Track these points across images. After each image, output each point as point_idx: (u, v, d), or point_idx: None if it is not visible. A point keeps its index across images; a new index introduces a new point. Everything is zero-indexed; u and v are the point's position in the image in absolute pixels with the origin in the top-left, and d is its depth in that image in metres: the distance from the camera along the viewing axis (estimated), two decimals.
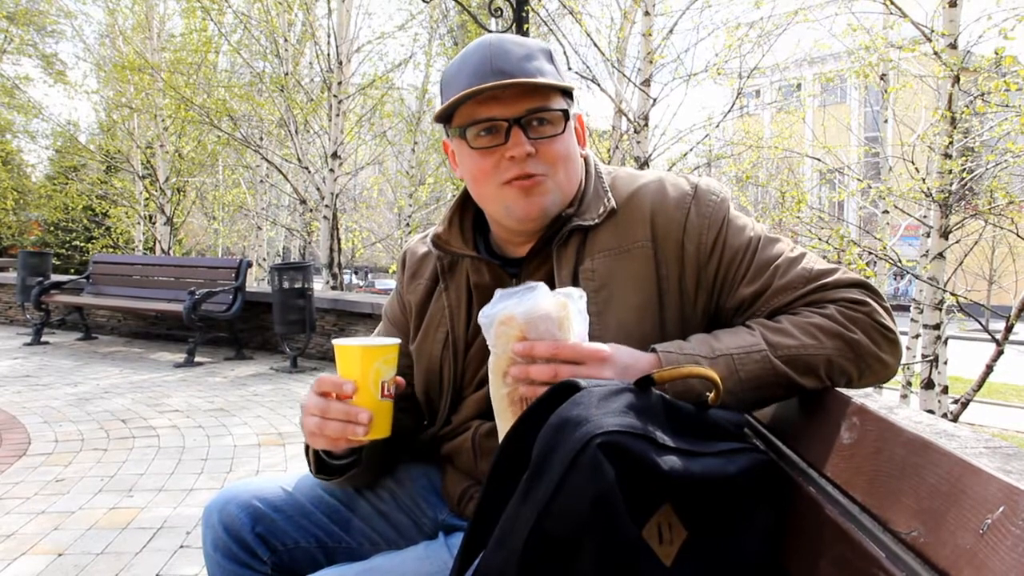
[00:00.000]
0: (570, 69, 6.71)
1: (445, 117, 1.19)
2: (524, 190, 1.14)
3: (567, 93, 1.19)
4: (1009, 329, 4.19)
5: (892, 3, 5.28)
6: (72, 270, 17.76)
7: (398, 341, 1.15)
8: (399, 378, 1.13)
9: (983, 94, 5.27)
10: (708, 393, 0.93)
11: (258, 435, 4.40)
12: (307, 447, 1.27)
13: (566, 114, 1.16)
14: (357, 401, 1.07)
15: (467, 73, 1.15)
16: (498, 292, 1.05)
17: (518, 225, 1.20)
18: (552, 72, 1.17)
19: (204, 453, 4.02)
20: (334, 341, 1.11)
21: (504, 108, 1.13)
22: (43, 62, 16.56)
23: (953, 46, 5.14)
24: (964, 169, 5.47)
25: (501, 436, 1.02)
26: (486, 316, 1.02)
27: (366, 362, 1.08)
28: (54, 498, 3.30)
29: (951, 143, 5.29)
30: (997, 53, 4.81)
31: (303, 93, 10.49)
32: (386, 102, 11.47)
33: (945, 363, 6.09)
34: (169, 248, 13.07)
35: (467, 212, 1.29)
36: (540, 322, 0.99)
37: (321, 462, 1.25)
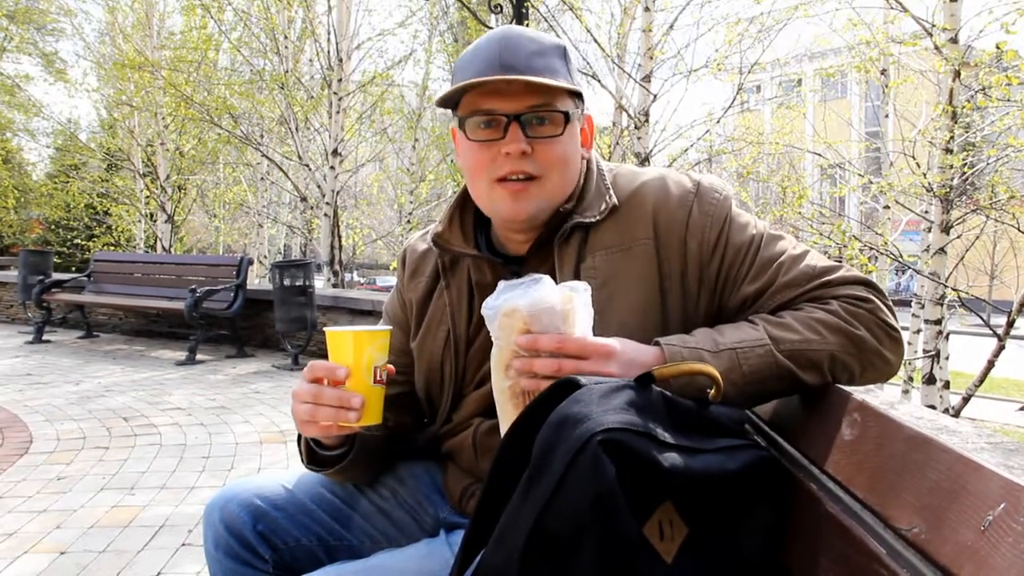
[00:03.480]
0: None
1: (453, 104, 1.19)
2: (513, 194, 1.14)
3: (575, 95, 1.18)
4: (1010, 324, 4.19)
5: None
6: (73, 268, 17.74)
7: (390, 328, 1.15)
8: (390, 365, 1.13)
9: (984, 89, 5.25)
10: (709, 389, 0.93)
11: (259, 433, 4.41)
12: (299, 437, 1.27)
13: (567, 116, 1.14)
14: (350, 386, 1.07)
15: (477, 63, 1.14)
16: (502, 283, 1.03)
17: (505, 224, 1.21)
18: (563, 71, 1.16)
19: (206, 451, 4.03)
20: (326, 329, 1.11)
21: (506, 103, 1.12)
22: (43, 60, 16.58)
23: (954, 41, 5.13)
24: (965, 164, 5.47)
25: (503, 429, 1.01)
26: (490, 308, 1.01)
27: (359, 347, 1.08)
28: (56, 496, 3.30)
29: (952, 138, 5.29)
30: (998, 47, 4.80)
31: (303, 90, 10.49)
32: (386, 99, 11.46)
33: (946, 358, 6.10)
34: (170, 246, 13.06)
35: (468, 209, 1.28)
36: (544, 315, 0.98)
37: (312, 453, 1.24)
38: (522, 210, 1.15)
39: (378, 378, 1.10)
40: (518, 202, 1.14)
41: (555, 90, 1.13)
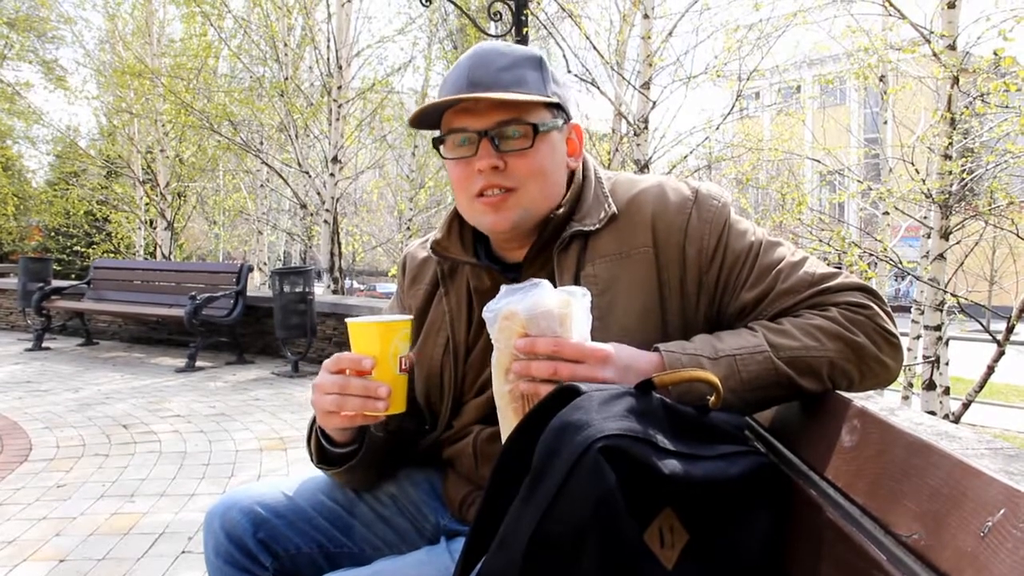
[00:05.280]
0: (569, 72, 6.70)
1: (431, 124, 1.21)
2: (492, 206, 1.15)
3: (551, 105, 1.18)
4: (1010, 330, 4.19)
5: (891, 5, 5.28)
6: (73, 275, 17.76)
7: (411, 317, 1.16)
8: (411, 354, 1.14)
9: (982, 95, 5.27)
10: (709, 396, 0.93)
11: (259, 440, 4.40)
12: (309, 438, 1.27)
13: (536, 128, 1.15)
14: (377, 376, 1.08)
15: (449, 83, 1.17)
16: (503, 288, 1.04)
17: (492, 236, 1.23)
18: (535, 83, 1.16)
19: (206, 458, 4.02)
20: (348, 320, 1.11)
21: (475, 120, 1.14)
22: (43, 68, 16.58)
23: (952, 47, 5.15)
24: (964, 170, 5.47)
25: (503, 433, 1.01)
26: (490, 311, 1.02)
27: (385, 338, 1.09)
28: (55, 504, 3.30)
29: (951, 144, 5.30)
30: (996, 54, 4.81)
31: (303, 97, 10.50)
32: (386, 106, 11.47)
33: (946, 364, 6.09)
34: (170, 253, 13.06)
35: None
36: (542, 319, 0.99)
37: (323, 452, 1.25)
38: (503, 220, 1.16)
39: (403, 367, 1.11)
40: (498, 213, 1.16)
41: (524, 103, 1.14)
